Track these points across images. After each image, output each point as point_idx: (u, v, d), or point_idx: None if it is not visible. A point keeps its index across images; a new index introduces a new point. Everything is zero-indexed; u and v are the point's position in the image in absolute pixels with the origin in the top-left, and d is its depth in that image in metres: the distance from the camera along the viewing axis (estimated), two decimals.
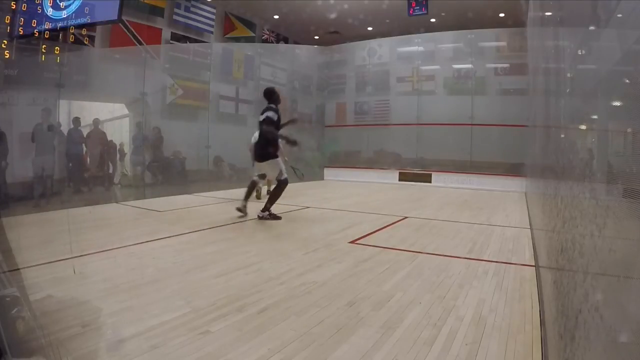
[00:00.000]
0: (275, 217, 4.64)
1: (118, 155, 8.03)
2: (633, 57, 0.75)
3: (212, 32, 10.78)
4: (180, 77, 8.73)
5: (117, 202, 6.38)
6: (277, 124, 4.54)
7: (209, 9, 10.60)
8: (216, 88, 9.28)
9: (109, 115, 8.28)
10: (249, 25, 11.86)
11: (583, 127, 1.28)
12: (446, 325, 1.91)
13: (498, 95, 9.57)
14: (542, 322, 1.90)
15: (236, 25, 11.54)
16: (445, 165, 9.81)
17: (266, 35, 12.52)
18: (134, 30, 7.55)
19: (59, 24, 6.26)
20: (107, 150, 7.87)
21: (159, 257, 3.10)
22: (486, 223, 4.80)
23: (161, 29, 9.59)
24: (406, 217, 5.02)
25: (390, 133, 10.69)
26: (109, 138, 7.96)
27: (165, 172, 8.22)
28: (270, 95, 4.67)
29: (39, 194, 6.33)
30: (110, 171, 7.95)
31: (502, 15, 10.01)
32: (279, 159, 4.67)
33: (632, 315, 0.63)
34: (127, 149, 8.17)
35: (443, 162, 9.87)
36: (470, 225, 4.61)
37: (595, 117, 1.12)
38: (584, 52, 1.26)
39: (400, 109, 10.58)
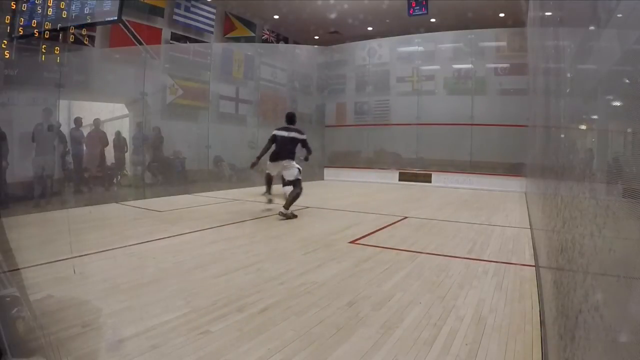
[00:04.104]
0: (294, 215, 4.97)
1: (118, 155, 8.02)
2: (633, 57, 0.75)
3: (212, 32, 10.77)
4: (180, 77, 8.72)
5: (117, 202, 6.38)
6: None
7: (209, 9, 10.59)
8: (216, 88, 9.27)
9: (109, 115, 8.27)
10: (249, 25, 11.85)
11: (583, 127, 1.28)
12: (446, 325, 1.91)
13: (498, 95, 9.57)
14: (542, 322, 1.90)
15: (236, 25, 11.54)
16: (445, 165, 9.81)
17: (266, 35, 12.52)
18: (134, 30, 7.55)
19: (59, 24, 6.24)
20: (107, 150, 7.87)
21: (159, 257, 3.09)
22: (486, 223, 4.80)
23: (161, 29, 9.59)
24: (406, 217, 5.02)
25: (390, 133, 10.70)
26: (109, 138, 7.95)
27: (165, 172, 8.21)
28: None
29: (39, 194, 6.33)
30: (110, 171, 7.94)
31: (502, 15, 10.01)
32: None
33: (632, 315, 0.63)
34: (127, 149, 8.16)
35: (443, 162, 9.87)
36: (470, 225, 4.61)
37: (595, 117, 1.12)
38: (584, 52, 1.26)
39: (400, 109, 10.59)
